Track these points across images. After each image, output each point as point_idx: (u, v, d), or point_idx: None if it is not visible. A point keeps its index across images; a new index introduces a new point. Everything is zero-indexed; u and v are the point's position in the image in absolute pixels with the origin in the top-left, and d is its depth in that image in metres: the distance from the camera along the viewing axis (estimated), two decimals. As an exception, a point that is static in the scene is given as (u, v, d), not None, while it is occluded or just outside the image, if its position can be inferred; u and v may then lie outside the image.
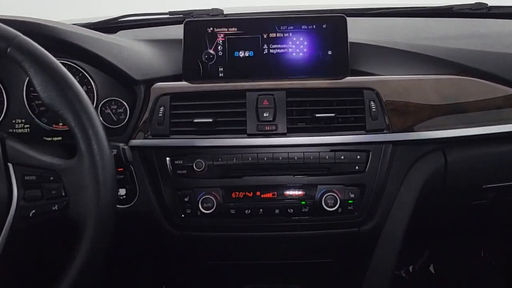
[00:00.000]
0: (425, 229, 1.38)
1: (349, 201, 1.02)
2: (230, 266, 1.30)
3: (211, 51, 1.12)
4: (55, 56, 0.78)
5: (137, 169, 1.04)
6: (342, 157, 1.01)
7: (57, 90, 0.74)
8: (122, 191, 1.03)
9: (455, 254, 1.72)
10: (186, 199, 1.02)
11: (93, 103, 1.04)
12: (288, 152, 1.01)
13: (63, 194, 0.75)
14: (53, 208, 0.74)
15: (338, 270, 1.29)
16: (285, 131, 1.01)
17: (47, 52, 0.77)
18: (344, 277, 1.29)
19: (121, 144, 0.93)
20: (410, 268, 1.72)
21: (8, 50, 0.74)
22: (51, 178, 0.75)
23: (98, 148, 0.74)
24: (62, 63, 1.04)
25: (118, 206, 1.00)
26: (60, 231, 0.83)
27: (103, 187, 0.73)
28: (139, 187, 1.04)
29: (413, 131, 1.03)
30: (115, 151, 0.89)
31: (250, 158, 1.01)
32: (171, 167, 1.03)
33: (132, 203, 1.04)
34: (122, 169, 1.01)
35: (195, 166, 1.01)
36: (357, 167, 1.02)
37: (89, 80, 1.07)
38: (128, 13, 1.33)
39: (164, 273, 1.42)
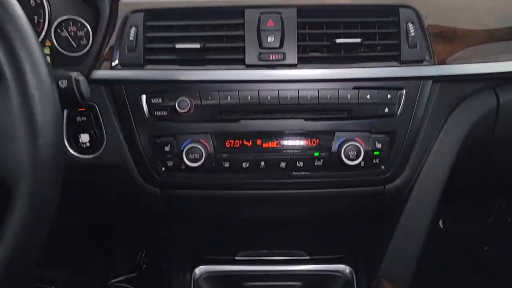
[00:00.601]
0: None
1: (375, 153, 0.92)
2: (221, 229, 1.23)
3: (198, -47, 0.98)
4: None
5: (103, 109, 0.93)
6: (368, 97, 0.90)
7: None
8: (85, 138, 0.94)
9: (468, 209, 1.69)
10: (166, 149, 0.92)
11: (44, 24, 0.93)
12: (299, 89, 0.90)
13: None
14: None
15: (353, 234, 1.22)
16: (295, 62, 0.90)
17: None
18: (360, 242, 1.23)
19: (74, 73, 0.78)
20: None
21: None
22: None
23: (33, 76, 0.60)
24: None
25: (80, 156, 0.94)
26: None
27: (41, 134, 0.60)
28: (107, 133, 0.94)
29: (460, 63, 0.91)
30: (64, 83, 0.75)
31: (249, 97, 0.90)
32: (147, 107, 0.92)
33: (98, 153, 0.95)
34: (83, 108, 0.92)
35: (178, 106, 0.90)
36: (386, 109, 0.91)
37: None
38: None
39: (143, 237, 1.36)
